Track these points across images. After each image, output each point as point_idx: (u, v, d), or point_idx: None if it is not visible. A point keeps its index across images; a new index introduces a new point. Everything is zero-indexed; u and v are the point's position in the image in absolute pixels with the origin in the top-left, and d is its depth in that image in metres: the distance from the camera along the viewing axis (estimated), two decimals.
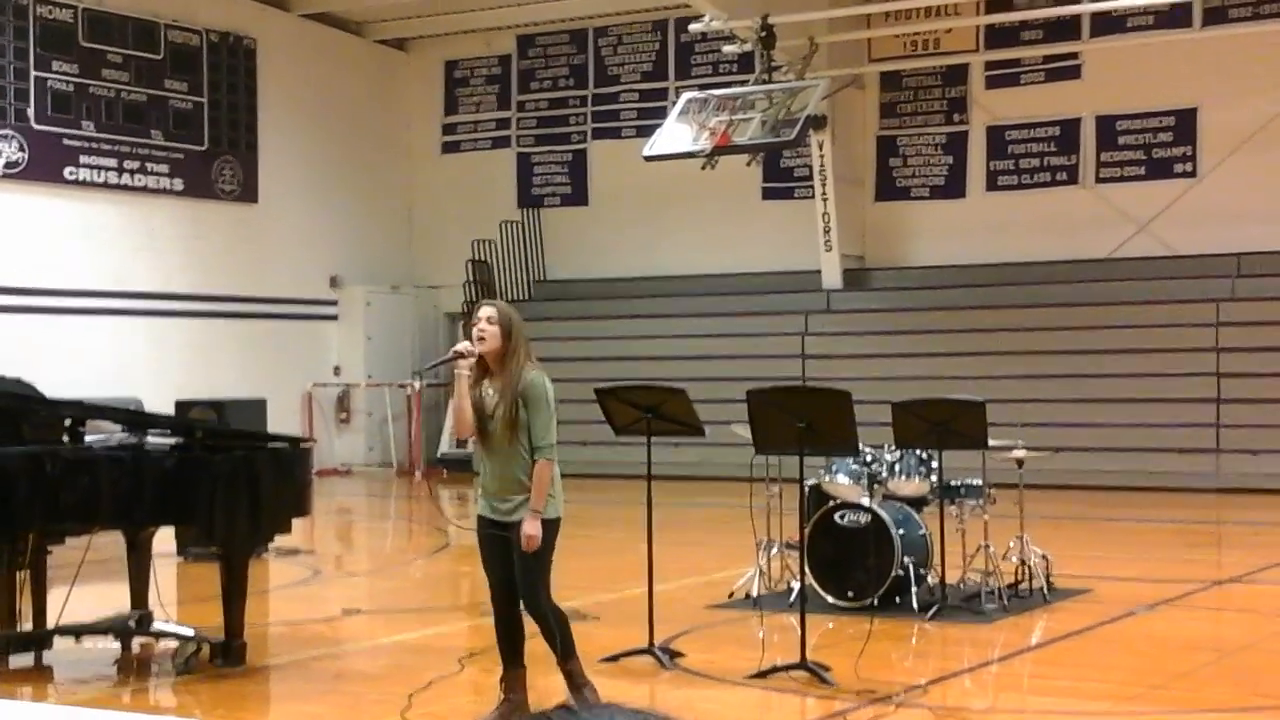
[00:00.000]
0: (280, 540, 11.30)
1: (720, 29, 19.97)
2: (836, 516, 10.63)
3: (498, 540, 7.56)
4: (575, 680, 7.66)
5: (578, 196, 24.86)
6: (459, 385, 7.42)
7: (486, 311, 7.50)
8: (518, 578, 7.54)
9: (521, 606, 7.62)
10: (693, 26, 20.55)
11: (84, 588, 9.74)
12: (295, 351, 23.96)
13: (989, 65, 22.02)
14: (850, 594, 10.47)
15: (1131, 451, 19.45)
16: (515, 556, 7.48)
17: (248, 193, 23.25)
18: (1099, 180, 21.45)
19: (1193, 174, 20.85)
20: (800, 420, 8.53)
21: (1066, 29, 21.13)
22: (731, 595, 11.14)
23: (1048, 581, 11.07)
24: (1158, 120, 21.09)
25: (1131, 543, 15.18)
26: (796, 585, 10.05)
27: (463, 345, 7.46)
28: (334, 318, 24.77)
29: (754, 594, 10.83)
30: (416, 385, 24.36)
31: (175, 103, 22.22)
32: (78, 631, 9.40)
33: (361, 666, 9.46)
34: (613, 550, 13.78)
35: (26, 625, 9.32)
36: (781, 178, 23.09)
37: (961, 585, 10.82)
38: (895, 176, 22.72)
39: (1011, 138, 21.95)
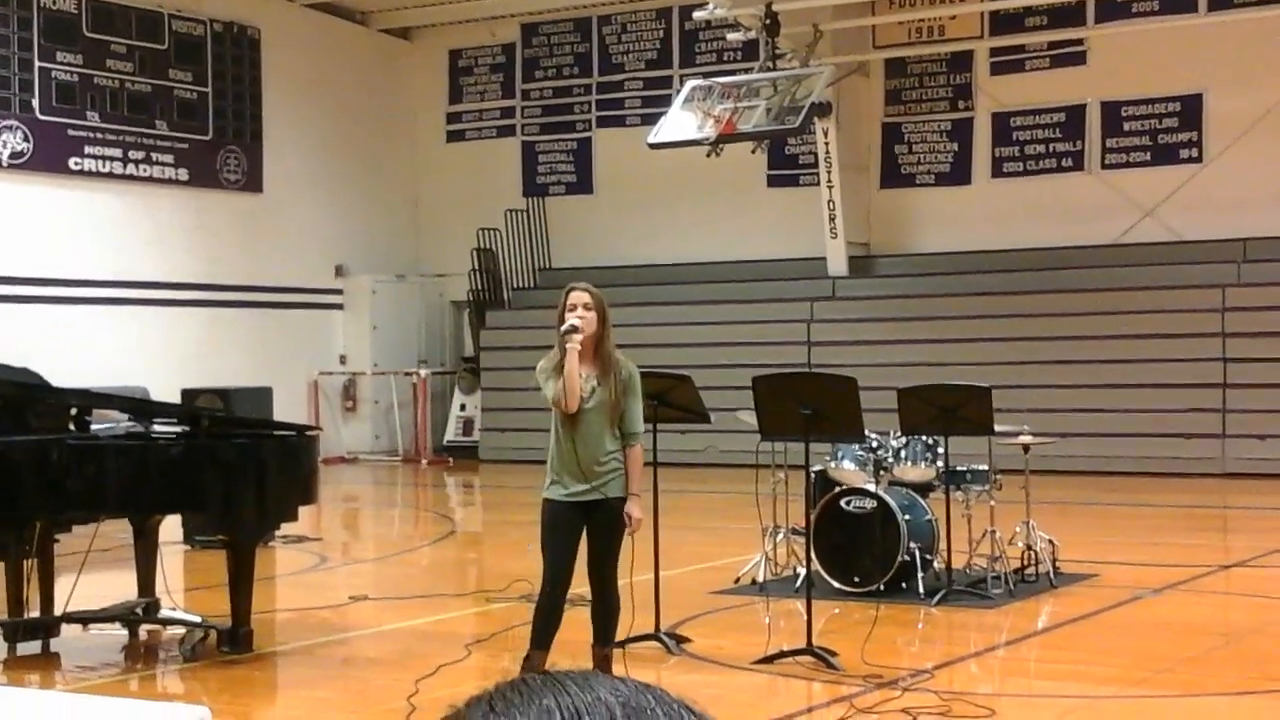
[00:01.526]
0: (287, 528, 11.34)
1: (724, 16, 19.94)
2: (842, 502, 10.64)
3: (574, 521, 7.60)
4: (607, 666, 7.74)
5: (582, 185, 24.85)
6: (570, 360, 7.47)
7: (582, 297, 7.62)
8: (601, 556, 7.65)
9: (562, 592, 7.68)
10: (697, 14, 20.50)
11: (91, 575, 9.77)
12: (301, 340, 23.97)
13: (994, 51, 21.98)
14: (856, 579, 10.48)
15: (1137, 437, 19.45)
16: (595, 535, 7.60)
17: (253, 182, 23.26)
18: (1104, 166, 21.42)
19: (1199, 159, 20.81)
20: (806, 406, 8.54)
21: (1071, 15, 21.09)
22: (737, 581, 11.16)
23: (1054, 566, 11.08)
24: (1163, 106, 21.05)
25: (1137, 527, 15.18)
26: (802, 571, 10.06)
27: (576, 320, 7.50)
28: (340, 306, 24.79)
29: (760, 580, 10.85)
30: (422, 373, 24.39)
31: (180, 92, 22.22)
32: (85, 619, 9.43)
33: (368, 653, 9.48)
34: None
35: (34, 612, 9.35)
36: (786, 165, 23.06)
37: (967, 570, 10.83)
38: (900, 163, 22.69)
39: (1017, 124, 21.91)
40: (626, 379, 7.68)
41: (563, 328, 7.53)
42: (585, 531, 7.66)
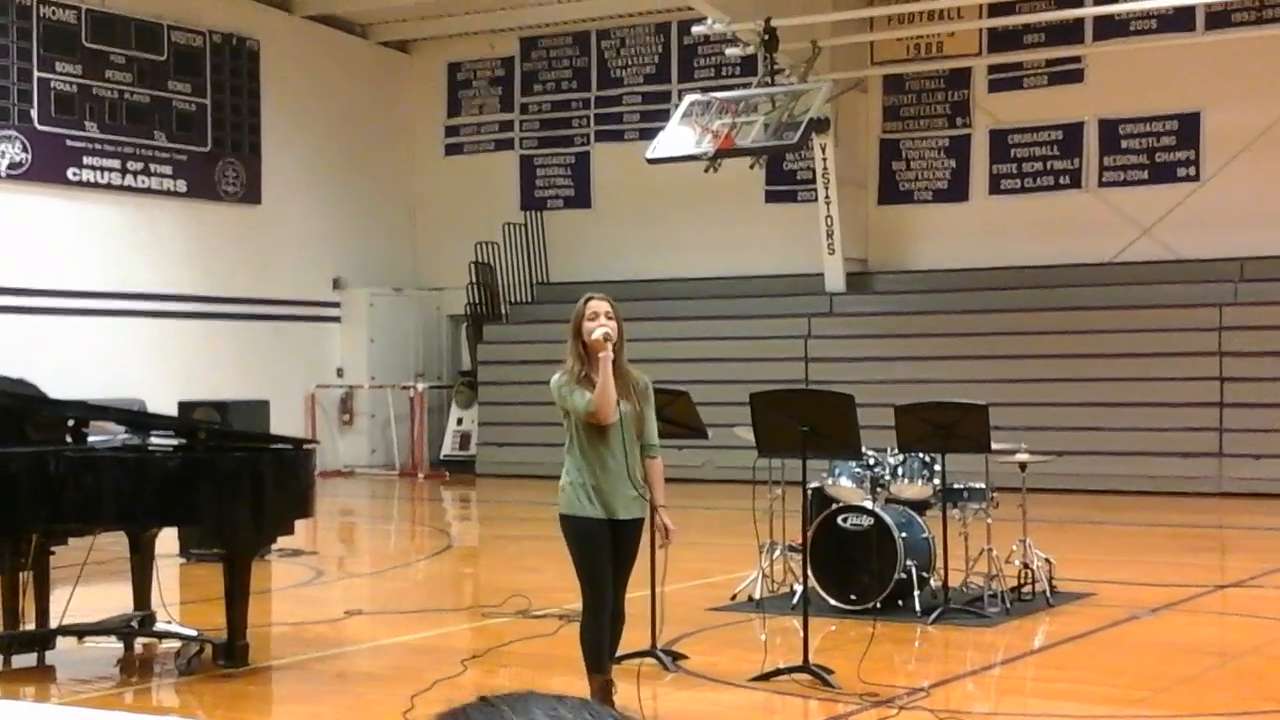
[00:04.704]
0: (283, 541, 11.32)
1: (723, 32, 19.97)
2: (839, 519, 10.63)
3: (610, 540, 7.43)
4: (609, 684, 7.69)
5: (580, 199, 24.87)
6: (605, 368, 7.27)
7: (603, 305, 7.46)
8: (621, 573, 7.53)
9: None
10: (695, 29, 20.54)
11: (87, 588, 9.76)
12: (298, 353, 23.96)
13: (992, 69, 22.02)
14: (853, 597, 10.46)
15: (1134, 455, 19.44)
16: (624, 553, 7.48)
17: (251, 194, 23.26)
18: (1102, 184, 21.44)
19: (1196, 178, 20.84)
20: (803, 423, 8.53)
21: (1069, 32, 21.13)
22: (734, 598, 11.14)
23: (1050, 585, 11.07)
24: (1161, 124, 21.08)
25: (1134, 547, 15.18)
26: (799, 588, 10.04)
27: (609, 330, 7.34)
28: (337, 319, 24.78)
29: (756, 597, 10.83)
30: (419, 387, 24.37)
31: (178, 104, 22.23)
32: (81, 632, 9.41)
33: (364, 667, 9.46)
34: None
35: (29, 625, 9.33)
36: (784, 181, 23.09)
37: (964, 588, 10.82)
38: (898, 180, 22.72)
39: (1014, 141, 21.94)
40: (644, 390, 7.55)
41: (595, 334, 7.32)
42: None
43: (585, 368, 7.39)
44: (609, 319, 7.41)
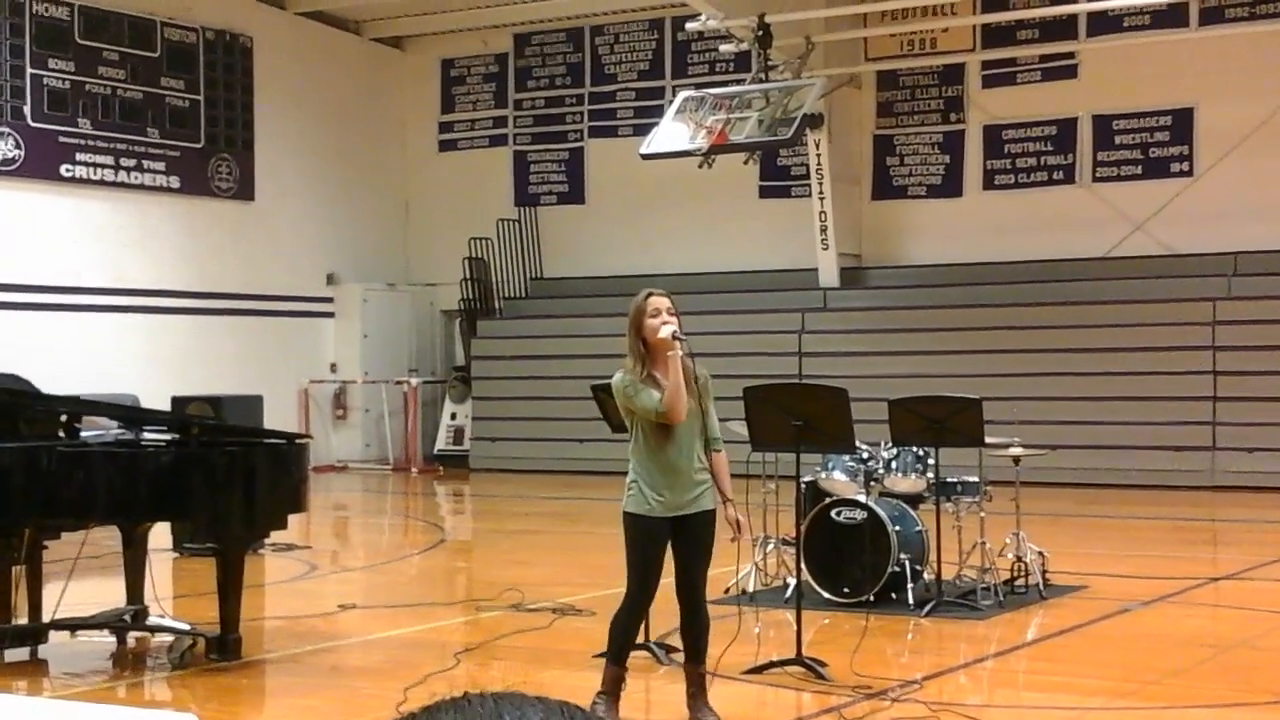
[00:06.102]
0: (276, 536, 11.31)
1: (717, 28, 19.96)
2: (833, 513, 10.64)
3: (666, 537, 7.30)
4: (703, 684, 7.55)
5: (574, 195, 24.86)
6: (676, 370, 7.14)
7: (664, 301, 7.29)
8: (695, 572, 7.38)
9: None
10: (689, 25, 20.54)
11: (80, 582, 9.76)
12: (292, 348, 23.96)
13: (985, 65, 22.03)
14: (846, 590, 10.48)
15: (1127, 449, 19.47)
16: (689, 549, 7.32)
17: (244, 190, 23.25)
18: (1095, 179, 21.46)
19: (1189, 173, 20.86)
20: (797, 417, 8.54)
21: (1063, 28, 21.14)
22: (728, 591, 11.14)
23: (1043, 578, 11.09)
24: (1154, 120, 21.10)
25: (1127, 540, 15.20)
26: (792, 581, 10.05)
27: (677, 328, 7.19)
28: (330, 315, 24.77)
29: (750, 590, 10.84)
30: (413, 382, 24.37)
31: (172, 100, 22.21)
32: (73, 626, 9.41)
33: (357, 661, 9.46)
34: (608, 546, 13.67)
35: (22, 619, 9.33)
36: (778, 176, 23.10)
37: (957, 582, 10.84)
38: (892, 175, 22.73)
39: (1008, 137, 21.95)
40: (704, 384, 7.36)
41: (662, 333, 7.13)
42: (672, 547, 7.36)
43: (647, 366, 7.22)
44: (672, 314, 7.24)
